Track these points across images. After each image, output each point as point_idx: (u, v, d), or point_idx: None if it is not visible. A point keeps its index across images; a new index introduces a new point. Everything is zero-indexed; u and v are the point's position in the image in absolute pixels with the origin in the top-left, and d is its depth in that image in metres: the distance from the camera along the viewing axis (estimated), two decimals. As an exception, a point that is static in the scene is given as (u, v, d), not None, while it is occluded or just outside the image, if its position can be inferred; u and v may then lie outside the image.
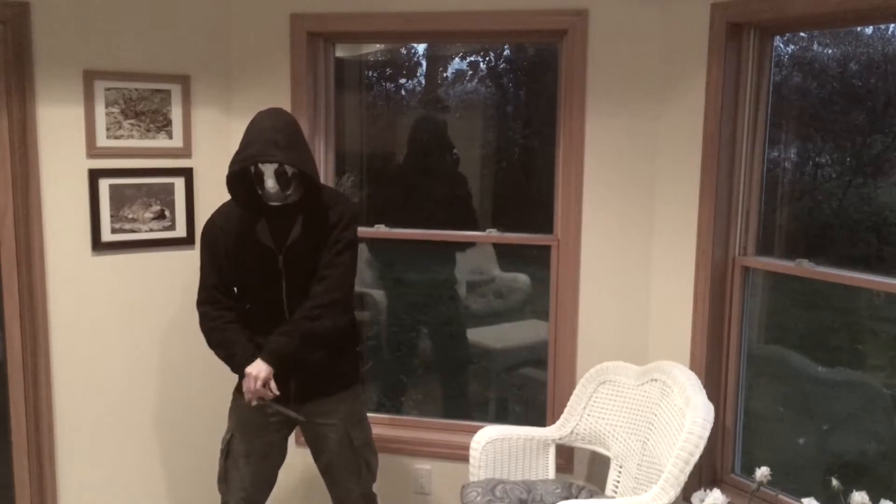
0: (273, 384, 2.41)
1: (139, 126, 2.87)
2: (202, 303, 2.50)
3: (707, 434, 2.26)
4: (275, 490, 2.68)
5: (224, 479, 2.60)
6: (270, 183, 2.35)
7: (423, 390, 3.79)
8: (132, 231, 2.89)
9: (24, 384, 2.77)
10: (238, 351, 2.44)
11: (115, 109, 2.81)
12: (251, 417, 2.53)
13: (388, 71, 3.67)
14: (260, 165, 2.33)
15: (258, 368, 2.37)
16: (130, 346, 2.95)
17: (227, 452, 2.58)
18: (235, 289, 2.52)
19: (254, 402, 2.41)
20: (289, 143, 2.31)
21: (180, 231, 2.98)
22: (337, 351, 2.54)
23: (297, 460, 2.95)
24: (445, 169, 3.53)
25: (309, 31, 2.95)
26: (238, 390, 2.55)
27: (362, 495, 2.64)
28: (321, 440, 2.59)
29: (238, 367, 2.44)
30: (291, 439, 2.70)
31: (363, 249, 3.40)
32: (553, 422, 2.89)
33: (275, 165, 2.33)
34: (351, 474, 2.60)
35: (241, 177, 2.36)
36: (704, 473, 2.73)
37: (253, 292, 2.49)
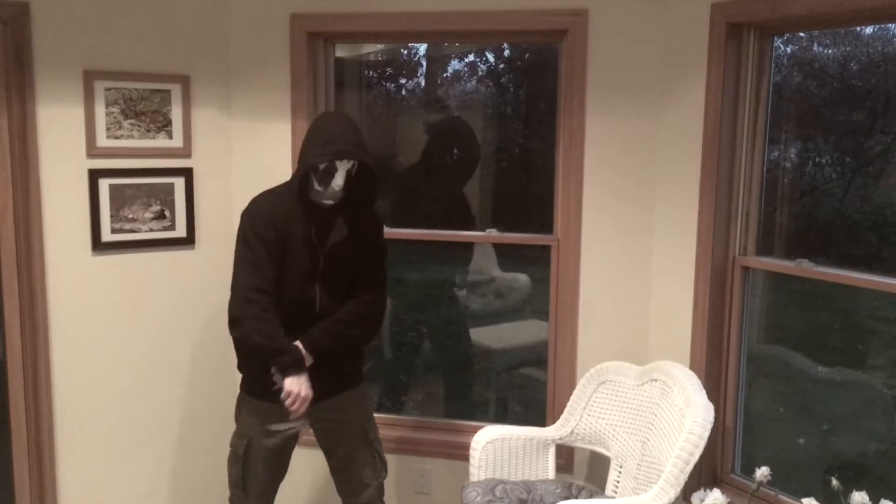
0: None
1: (139, 126, 2.87)
2: (249, 302, 2.28)
3: (707, 434, 2.26)
4: (279, 492, 2.68)
5: (241, 486, 2.57)
6: (340, 181, 2.35)
7: (424, 390, 3.79)
8: (132, 231, 2.89)
9: (24, 384, 2.77)
10: (291, 348, 2.32)
11: (115, 109, 2.81)
12: (263, 421, 2.48)
13: (389, 71, 3.67)
14: (337, 163, 2.32)
15: (303, 387, 2.29)
16: (130, 347, 2.95)
17: (244, 459, 2.53)
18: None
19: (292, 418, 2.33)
20: (364, 145, 2.38)
21: (180, 231, 2.98)
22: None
23: (302, 462, 2.94)
24: (465, 168, 3.54)
25: (309, 31, 2.95)
26: (248, 393, 2.52)
27: (377, 489, 2.64)
28: (337, 436, 2.59)
29: (294, 362, 2.30)
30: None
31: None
32: (553, 422, 2.89)
33: (347, 165, 2.34)
34: (368, 468, 2.61)
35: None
36: (704, 473, 2.73)
37: (287, 293, 2.39)
